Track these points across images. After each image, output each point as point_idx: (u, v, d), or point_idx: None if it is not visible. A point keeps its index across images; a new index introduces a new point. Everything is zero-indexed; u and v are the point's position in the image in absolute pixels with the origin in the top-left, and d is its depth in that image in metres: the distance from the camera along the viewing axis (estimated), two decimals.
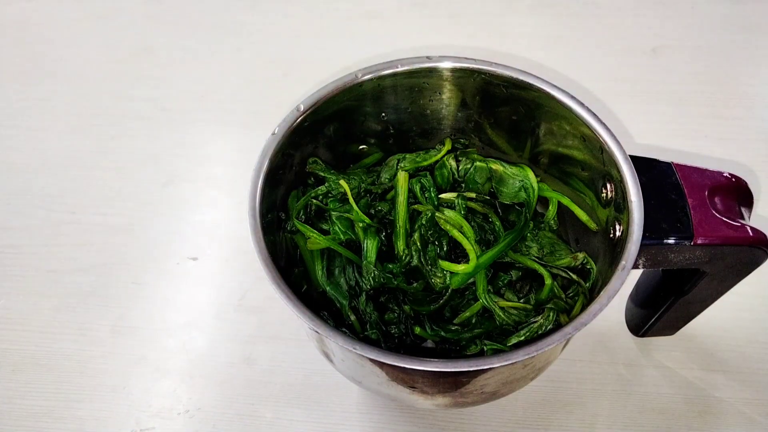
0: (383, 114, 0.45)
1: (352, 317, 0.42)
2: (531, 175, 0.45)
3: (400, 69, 0.42)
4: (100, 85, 0.70)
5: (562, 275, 0.42)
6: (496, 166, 0.45)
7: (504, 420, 0.48)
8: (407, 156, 0.46)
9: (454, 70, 0.42)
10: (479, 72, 0.41)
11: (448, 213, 0.43)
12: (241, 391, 0.50)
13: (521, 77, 0.40)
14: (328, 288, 0.43)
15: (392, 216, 0.43)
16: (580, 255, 0.42)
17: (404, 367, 0.32)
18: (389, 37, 0.73)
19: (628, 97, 0.66)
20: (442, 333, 0.42)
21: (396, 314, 0.43)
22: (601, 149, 0.38)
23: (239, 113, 0.67)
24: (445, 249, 0.42)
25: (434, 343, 0.43)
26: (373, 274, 0.42)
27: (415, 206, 0.43)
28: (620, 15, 0.74)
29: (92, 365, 0.52)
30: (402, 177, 0.44)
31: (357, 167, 0.47)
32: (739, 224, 0.36)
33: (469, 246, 0.41)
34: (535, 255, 0.43)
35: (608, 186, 0.39)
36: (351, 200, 0.43)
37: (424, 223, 0.42)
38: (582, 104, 0.39)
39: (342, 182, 0.44)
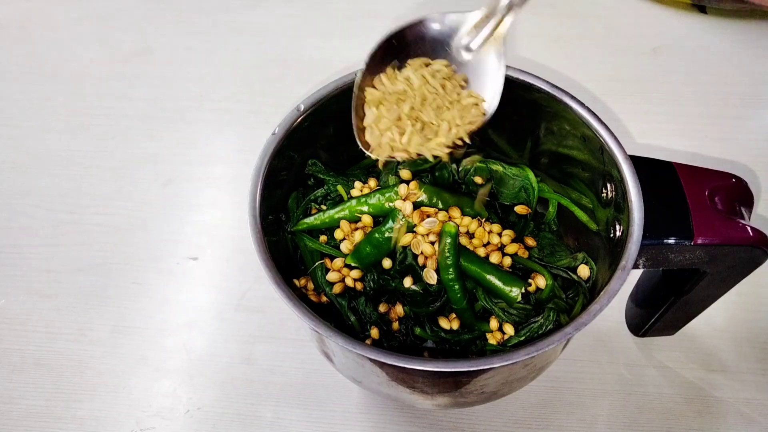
0: None
1: (352, 318, 0.42)
2: (531, 175, 0.44)
3: None
4: (100, 85, 0.70)
5: (562, 275, 0.42)
6: (496, 167, 0.45)
7: (504, 420, 0.48)
8: None
9: None
10: None
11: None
12: (241, 391, 0.50)
13: (522, 77, 0.40)
14: (327, 289, 0.43)
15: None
16: (580, 255, 0.42)
17: (404, 367, 0.32)
18: None
19: (628, 97, 0.66)
20: (442, 333, 0.42)
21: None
22: (601, 149, 0.38)
23: (239, 113, 0.67)
24: None
25: (434, 343, 0.43)
26: (371, 276, 0.42)
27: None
28: (620, 15, 0.74)
29: (92, 365, 0.52)
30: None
31: (357, 168, 0.47)
32: (739, 224, 0.36)
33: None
34: (536, 255, 0.43)
35: (608, 186, 0.39)
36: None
37: None
38: (582, 104, 0.39)
39: (339, 187, 0.44)
